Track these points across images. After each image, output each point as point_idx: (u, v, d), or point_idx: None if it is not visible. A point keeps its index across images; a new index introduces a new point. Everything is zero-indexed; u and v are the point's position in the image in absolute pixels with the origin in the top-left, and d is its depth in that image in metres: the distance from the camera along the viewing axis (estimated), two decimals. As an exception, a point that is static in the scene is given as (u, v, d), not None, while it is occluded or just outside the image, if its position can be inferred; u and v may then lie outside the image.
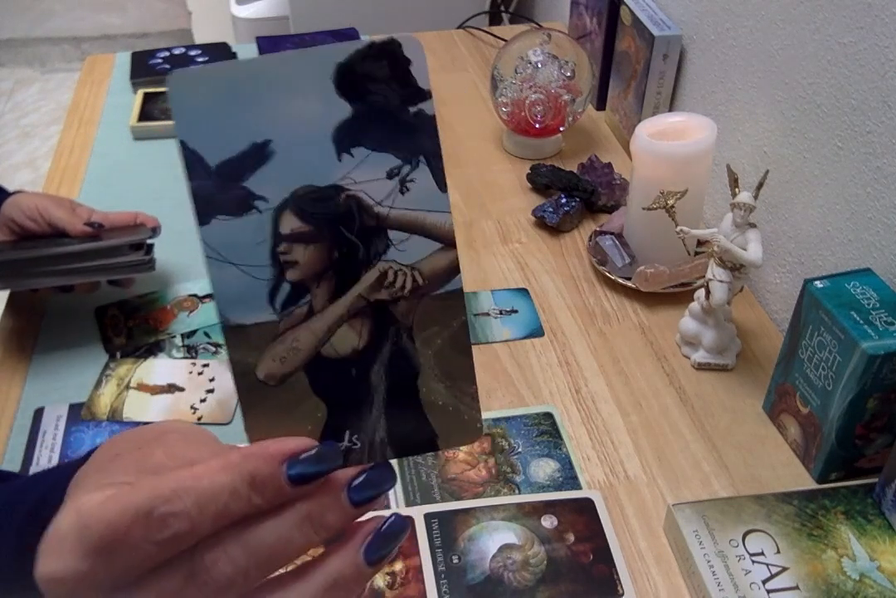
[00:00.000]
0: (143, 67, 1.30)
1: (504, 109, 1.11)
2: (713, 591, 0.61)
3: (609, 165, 1.05)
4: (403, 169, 0.35)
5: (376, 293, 0.35)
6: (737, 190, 0.75)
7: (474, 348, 0.84)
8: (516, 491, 0.72)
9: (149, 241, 0.86)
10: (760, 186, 0.74)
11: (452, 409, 0.36)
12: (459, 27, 1.47)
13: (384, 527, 0.35)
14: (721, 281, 0.76)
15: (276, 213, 0.34)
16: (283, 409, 0.37)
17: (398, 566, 0.65)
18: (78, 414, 0.78)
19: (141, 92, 1.23)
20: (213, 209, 0.36)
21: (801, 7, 0.80)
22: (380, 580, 0.64)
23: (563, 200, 1.01)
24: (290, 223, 0.34)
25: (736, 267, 0.76)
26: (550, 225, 1.00)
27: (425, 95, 0.33)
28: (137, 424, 0.77)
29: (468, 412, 0.36)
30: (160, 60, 1.31)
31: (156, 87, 1.25)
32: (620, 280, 0.91)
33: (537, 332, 0.87)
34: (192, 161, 0.35)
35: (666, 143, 0.84)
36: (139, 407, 0.78)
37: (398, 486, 0.72)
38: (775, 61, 0.85)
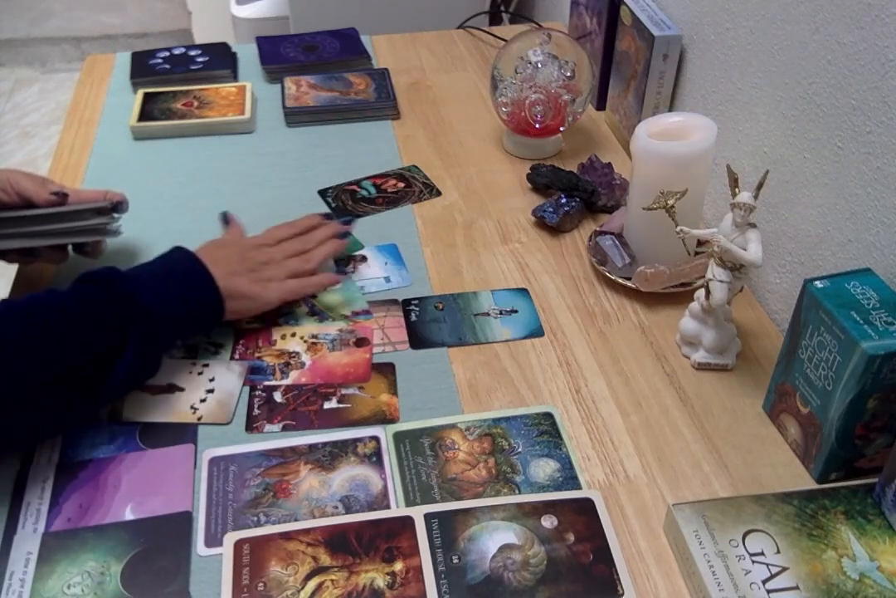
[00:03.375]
0: (143, 67, 1.29)
1: (504, 109, 1.11)
2: (713, 591, 0.61)
3: (609, 165, 1.05)
4: None
5: None
6: (737, 190, 0.75)
7: (474, 348, 0.84)
8: (516, 491, 0.72)
9: (116, 214, 0.89)
10: (760, 186, 0.74)
11: None
12: (459, 27, 1.47)
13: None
14: (721, 281, 0.76)
15: None
16: None
17: (398, 566, 0.65)
18: (78, 414, 0.78)
19: (141, 92, 1.23)
20: None
21: (801, 7, 0.80)
22: (380, 581, 0.65)
23: (563, 200, 1.01)
24: None
25: (736, 267, 0.76)
26: (550, 225, 1.00)
27: None
28: (137, 424, 0.77)
29: None
30: (160, 60, 1.31)
31: (156, 87, 1.25)
32: (620, 280, 0.91)
33: (537, 332, 0.87)
34: None
35: (666, 143, 0.84)
36: (139, 407, 0.78)
37: (398, 486, 0.72)
38: (775, 61, 0.85)
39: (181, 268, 0.81)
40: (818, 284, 0.68)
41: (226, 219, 0.96)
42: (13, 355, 0.67)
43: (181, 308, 0.78)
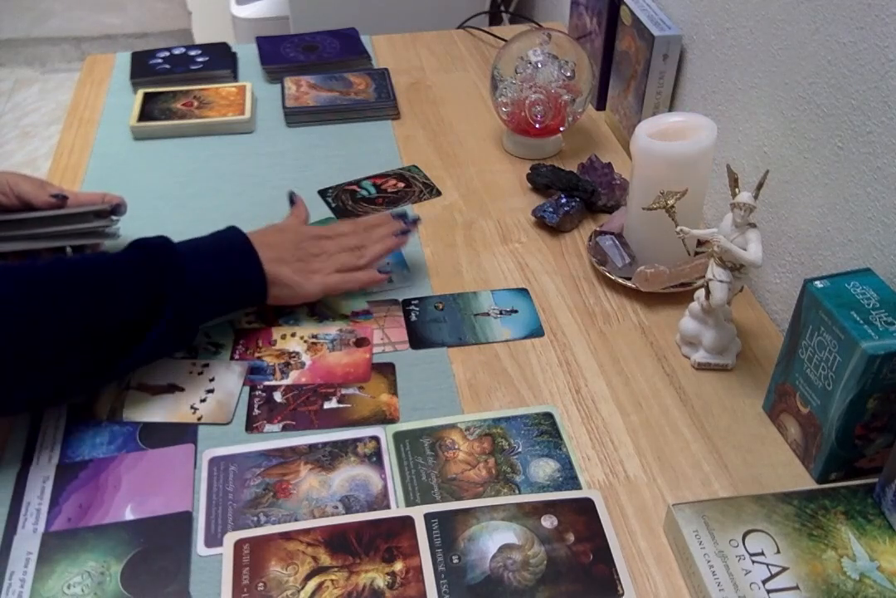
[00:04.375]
0: (143, 67, 1.29)
1: (504, 109, 1.11)
2: (713, 591, 0.61)
3: (609, 165, 1.05)
4: None
5: None
6: (737, 190, 0.75)
7: (474, 348, 0.84)
8: (516, 491, 0.72)
9: (114, 217, 0.90)
10: (760, 186, 0.74)
11: None
12: (459, 27, 1.47)
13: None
14: (721, 281, 0.77)
15: None
16: None
17: (398, 566, 0.65)
18: (78, 414, 0.78)
19: (141, 92, 1.23)
20: None
21: (801, 7, 0.80)
22: (380, 581, 0.65)
23: (563, 200, 1.01)
24: None
25: (736, 267, 0.76)
26: (550, 225, 1.00)
27: None
28: (137, 424, 0.77)
29: None
30: (160, 60, 1.31)
31: (156, 87, 1.25)
32: (620, 280, 0.91)
33: (537, 332, 0.87)
34: None
35: (666, 143, 0.84)
36: (139, 407, 0.78)
37: (398, 486, 0.72)
38: (775, 61, 0.85)
39: (230, 246, 0.82)
40: (818, 284, 0.68)
41: (292, 200, 0.96)
42: (51, 308, 0.69)
43: (223, 286, 0.80)
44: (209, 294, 0.79)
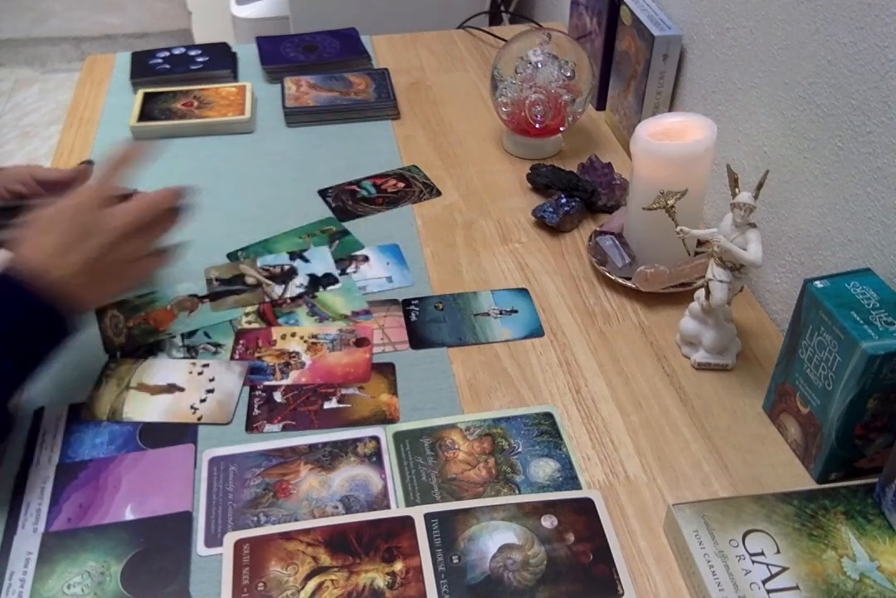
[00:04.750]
0: (143, 67, 1.30)
1: (504, 109, 1.11)
2: (713, 591, 0.61)
3: (609, 165, 1.05)
4: None
5: None
6: (737, 190, 0.75)
7: (474, 348, 0.84)
8: (516, 491, 0.72)
9: None
10: (760, 186, 0.74)
11: None
12: (459, 27, 1.47)
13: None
14: (721, 281, 0.77)
15: None
16: None
17: (398, 566, 0.65)
18: (78, 414, 0.78)
19: (141, 92, 1.23)
20: None
21: (801, 7, 0.80)
22: (380, 581, 0.65)
23: (563, 200, 1.01)
24: None
25: (736, 267, 0.76)
26: (550, 225, 1.00)
27: None
28: (137, 424, 0.77)
29: None
30: (160, 60, 1.31)
31: (156, 87, 1.25)
32: (620, 280, 0.91)
33: (537, 332, 0.87)
34: None
35: (666, 143, 0.84)
36: (139, 407, 0.78)
37: (398, 486, 0.72)
38: (775, 61, 0.85)
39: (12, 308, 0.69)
40: (818, 284, 0.68)
41: (82, 170, 0.85)
42: None
43: (26, 348, 0.71)
44: (10, 360, 0.69)
